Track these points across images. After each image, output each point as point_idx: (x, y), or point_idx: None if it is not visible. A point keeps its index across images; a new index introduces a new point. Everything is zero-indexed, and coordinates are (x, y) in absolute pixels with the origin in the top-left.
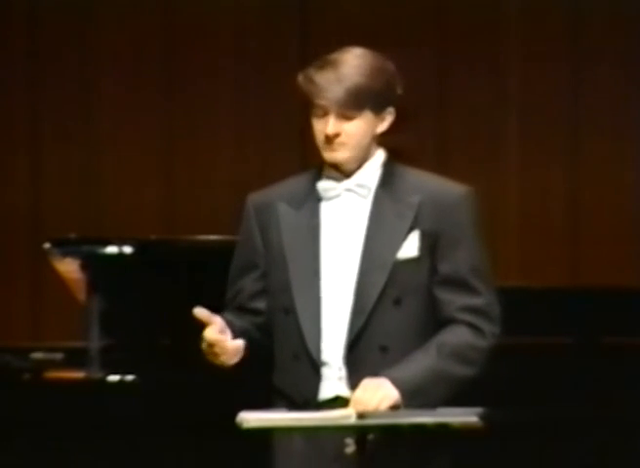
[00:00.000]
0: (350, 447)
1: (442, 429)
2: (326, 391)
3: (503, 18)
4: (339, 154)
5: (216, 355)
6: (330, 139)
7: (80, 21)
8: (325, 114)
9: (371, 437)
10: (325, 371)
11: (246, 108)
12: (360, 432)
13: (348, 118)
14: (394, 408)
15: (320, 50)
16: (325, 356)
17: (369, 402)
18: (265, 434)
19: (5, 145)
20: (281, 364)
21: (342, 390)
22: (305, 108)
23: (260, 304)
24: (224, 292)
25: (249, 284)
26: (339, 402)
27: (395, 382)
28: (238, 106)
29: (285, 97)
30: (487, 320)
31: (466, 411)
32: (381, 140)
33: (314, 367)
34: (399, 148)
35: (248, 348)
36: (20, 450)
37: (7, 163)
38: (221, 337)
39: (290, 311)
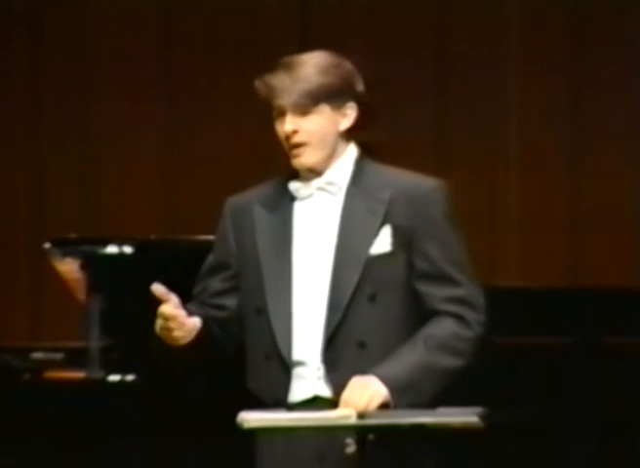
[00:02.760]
0: (351, 447)
1: (442, 429)
2: (304, 391)
3: (504, 18)
4: (303, 159)
5: (171, 330)
6: (289, 138)
7: (81, 23)
8: (282, 114)
9: (371, 437)
10: (302, 371)
11: (246, 109)
12: (360, 432)
13: (304, 113)
14: (384, 405)
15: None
16: (300, 356)
17: (358, 401)
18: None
19: (5, 145)
20: (253, 364)
21: (321, 390)
22: None
23: (226, 301)
24: None
25: (216, 282)
26: (318, 402)
27: (383, 379)
28: (238, 107)
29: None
30: (471, 309)
31: (467, 411)
32: (354, 137)
33: (285, 367)
34: (373, 144)
35: (204, 331)
36: (21, 450)
37: (7, 163)
38: (178, 312)
39: (262, 311)
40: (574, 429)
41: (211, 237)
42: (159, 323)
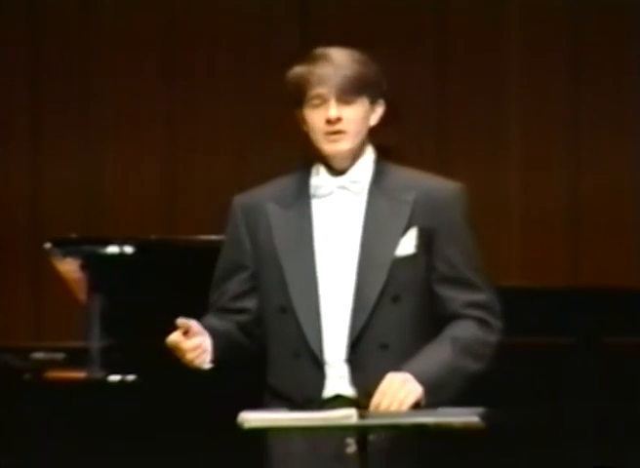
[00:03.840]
0: (351, 447)
1: (443, 429)
2: (327, 390)
3: (504, 17)
4: (340, 145)
5: (181, 357)
6: (332, 124)
7: (81, 20)
8: (323, 102)
9: (372, 437)
10: (325, 370)
11: (246, 108)
12: (361, 432)
13: (348, 102)
14: (417, 403)
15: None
16: (327, 354)
17: (395, 395)
18: (266, 434)
19: (5, 145)
20: (278, 363)
21: (343, 389)
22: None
23: (247, 303)
24: None
25: (235, 285)
26: (339, 400)
27: (418, 377)
28: (238, 106)
29: (286, 97)
30: (492, 315)
31: (467, 411)
32: (372, 138)
33: (317, 364)
34: (389, 147)
35: (218, 350)
36: (21, 450)
37: (7, 163)
38: (179, 339)
39: (287, 310)
40: (574, 429)
41: (212, 237)
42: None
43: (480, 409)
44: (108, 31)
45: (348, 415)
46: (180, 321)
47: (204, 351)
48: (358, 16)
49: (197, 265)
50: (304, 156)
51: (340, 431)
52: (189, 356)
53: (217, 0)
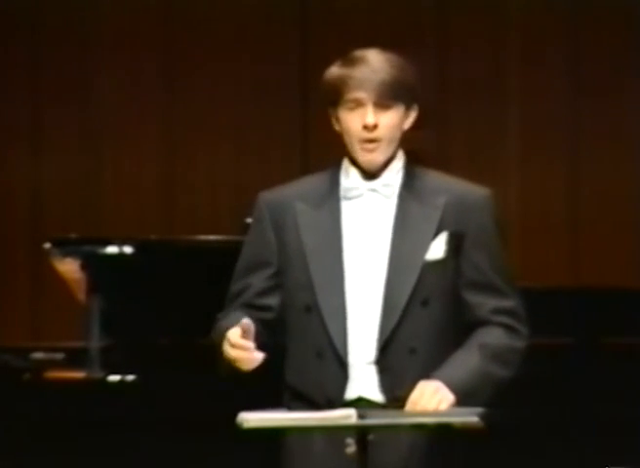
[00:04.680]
0: (351, 447)
1: (442, 429)
2: (349, 392)
3: (504, 17)
4: (375, 155)
5: (233, 358)
6: (369, 131)
7: (80, 19)
8: (359, 106)
9: (371, 437)
10: (349, 371)
11: (246, 108)
12: (361, 432)
13: (385, 108)
14: None
15: (320, 50)
16: (351, 356)
17: (427, 404)
18: (265, 434)
19: (5, 145)
20: (300, 363)
21: (366, 391)
22: (307, 109)
23: (271, 301)
24: (224, 292)
25: (259, 281)
26: (361, 403)
27: (450, 385)
28: (238, 106)
29: (286, 96)
30: (519, 321)
31: (467, 411)
32: (403, 141)
33: (341, 365)
34: (419, 152)
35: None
36: (20, 450)
37: (7, 163)
38: (244, 344)
39: (312, 309)
40: (573, 429)
41: (211, 237)
42: (225, 347)
43: (480, 409)
44: (108, 31)
45: (348, 415)
46: (246, 322)
47: (255, 362)
48: (358, 15)
49: (197, 265)
50: (304, 157)
51: (339, 431)
52: (240, 364)
53: (217, 1)
